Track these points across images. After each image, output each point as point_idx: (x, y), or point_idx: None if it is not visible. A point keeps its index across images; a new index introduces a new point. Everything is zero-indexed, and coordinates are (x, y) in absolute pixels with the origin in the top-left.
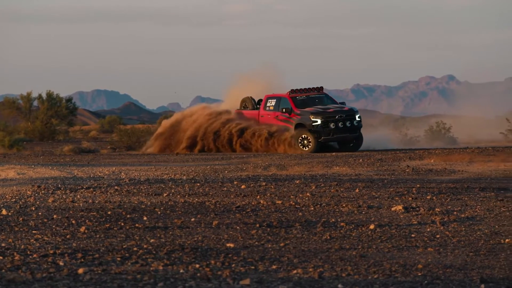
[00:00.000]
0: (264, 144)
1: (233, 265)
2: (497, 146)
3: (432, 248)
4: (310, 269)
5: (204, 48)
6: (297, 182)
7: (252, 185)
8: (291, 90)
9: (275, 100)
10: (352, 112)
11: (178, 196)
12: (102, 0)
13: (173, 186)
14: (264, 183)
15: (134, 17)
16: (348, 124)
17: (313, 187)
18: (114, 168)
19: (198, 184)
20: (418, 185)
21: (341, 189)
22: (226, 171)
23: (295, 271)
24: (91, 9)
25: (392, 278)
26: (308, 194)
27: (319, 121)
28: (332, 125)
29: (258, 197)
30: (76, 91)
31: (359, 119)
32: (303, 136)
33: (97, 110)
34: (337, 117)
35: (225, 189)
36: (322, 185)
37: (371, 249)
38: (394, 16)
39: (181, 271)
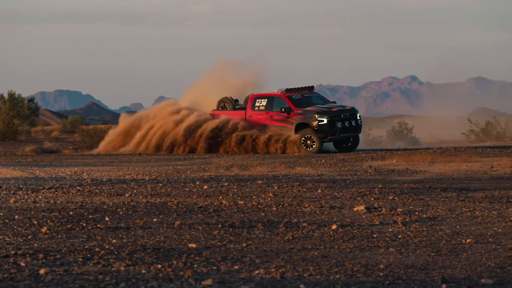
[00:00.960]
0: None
1: (195, 266)
2: (459, 146)
3: (394, 248)
4: (272, 269)
5: (167, 48)
6: (260, 182)
7: (214, 185)
8: (286, 89)
9: (266, 99)
10: (354, 111)
11: (140, 197)
12: (64, 0)
13: (135, 187)
14: (226, 184)
15: (97, 17)
16: (353, 123)
17: (276, 188)
18: (76, 168)
19: (161, 184)
20: (380, 186)
21: (304, 190)
22: (188, 172)
23: (257, 272)
24: (53, 9)
25: (354, 278)
26: (270, 194)
27: (325, 121)
28: (339, 124)
29: (221, 197)
30: (38, 91)
31: (359, 118)
32: (307, 136)
33: (59, 110)
34: (342, 116)
35: (187, 189)
36: (284, 185)
37: (333, 249)
38: (356, 16)
39: (143, 271)
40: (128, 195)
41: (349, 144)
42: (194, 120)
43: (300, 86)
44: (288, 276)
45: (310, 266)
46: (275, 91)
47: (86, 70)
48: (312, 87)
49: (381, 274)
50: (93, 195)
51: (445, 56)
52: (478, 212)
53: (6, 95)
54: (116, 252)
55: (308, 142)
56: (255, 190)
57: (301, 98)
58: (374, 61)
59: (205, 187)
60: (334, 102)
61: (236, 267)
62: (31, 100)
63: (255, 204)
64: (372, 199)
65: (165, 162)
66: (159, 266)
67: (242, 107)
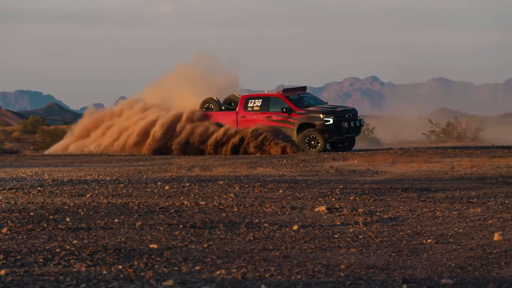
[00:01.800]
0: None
1: (156, 266)
2: (420, 147)
3: (355, 248)
4: (234, 270)
5: (130, 48)
6: (221, 183)
7: (176, 186)
8: (283, 90)
9: (260, 100)
10: (355, 112)
11: (102, 197)
12: (26, 0)
13: (97, 187)
14: (188, 184)
15: (58, 17)
16: (357, 123)
17: (237, 188)
18: (37, 169)
19: (122, 185)
20: (341, 186)
21: (265, 190)
22: (149, 172)
23: (218, 272)
24: (14, 9)
25: (315, 279)
26: (231, 195)
27: (331, 121)
28: (345, 125)
29: (182, 198)
30: None
31: (361, 119)
32: (311, 136)
33: (20, 110)
34: (346, 116)
35: (148, 190)
36: (245, 186)
37: (294, 250)
38: (318, 17)
39: (104, 272)
40: (89, 195)
41: (346, 144)
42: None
43: (295, 86)
44: (249, 276)
45: (271, 266)
46: (266, 91)
47: (47, 70)
48: (305, 87)
49: (342, 274)
50: (54, 195)
51: (407, 56)
52: (438, 212)
53: None
54: (77, 253)
55: (312, 142)
56: (216, 191)
57: (298, 98)
58: (335, 62)
59: (166, 187)
60: (326, 103)
61: (197, 267)
62: None
63: (217, 204)
64: (334, 199)
65: (127, 162)
66: (120, 266)
67: (230, 108)
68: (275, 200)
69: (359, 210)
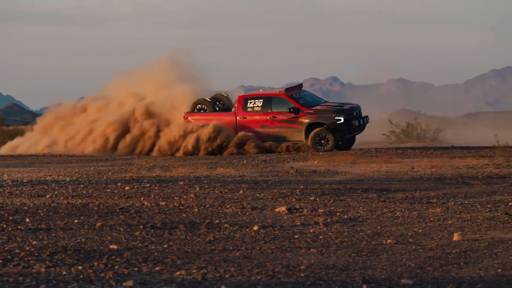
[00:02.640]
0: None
1: (116, 267)
2: (380, 147)
3: (315, 249)
4: (194, 271)
5: (90, 49)
6: (181, 183)
7: (136, 186)
8: (286, 89)
9: (261, 100)
10: (360, 109)
11: (62, 198)
12: None
13: (57, 188)
14: (148, 185)
15: (17, 17)
16: (364, 121)
17: (197, 189)
18: None
19: (82, 185)
20: (301, 186)
21: (225, 191)
22: (110, 173)
23: (178, 273)
24: None
25: (275, 279)
26: (192, 195)
27: (342, 119)
28: (356, 123)
29: (142, 198)
30: None
31: (366, 116)
32: (322, 135)
33: None
34: (354, 114)
35: (109, 190)
36: (206, 186)
37: (254, 250)
38: (279, 17)
39: (64, 273)
40: (49, 196)
41: (346, 141)
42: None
43: (293, 85)
44: (209, 277)
45: (231, 267)
46: (261, 90)
47: (7, 70)
48: (301, 85)
49: (302, 274)
50: (14, 196)
51: (367, 57)
52: (398, 212)
53: None
54: (36, 254)
55: (323, 141)
56: (176, 191)
57: (299, 96)
58: (295, 62)
59: (126, 188)
60: (327, 101)
61: (157, 268)
62: None
63: (177, 205)
64: (294, 200)
65: (87, 163)
66: (80, 267)
67: (224, 108)
68: (236, 201)
69: (319, 210)
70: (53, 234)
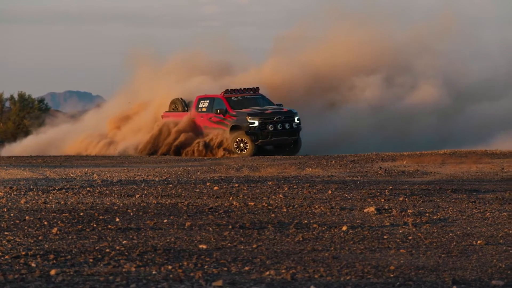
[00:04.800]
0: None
1: (205, 267)
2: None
3: (405, 249)
4: (283, 271)
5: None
6: (270, 183)
7: (224, 186)
8: (226, 90)
9: (208, 101)
10: (291, 114)
11: (151, 198)
12: None
13: (146, 187)
14: (236, 185)
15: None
16: (287, 126)
17: (286, 189)
18: (86, 169)
19: (171, 185)
20: (390, 187)
21: (314, 191)
22: (198, 173)
23: (267, 273)
24: None
25: (365, 280)
26: (280, 195)
27: (256, 123)
28: (270, 127)
29: (231, 198)
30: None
31: (298, 122)
32: (239, 139)
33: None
34: (275, 118)
35: (197, 190)
36: (294, 186)
37: (343, 251)
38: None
39: (154, 272)
40: (138, 196)
41: (292, 146)
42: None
43: (243, 88)
44: (298, 277)
45: (320, 267)
46: (222, 92)
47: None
48: (257, 88)
49: (392, 275)
50: (104, 196)
51: None
52: (488, 213)
53: (16, 96)
54: (126, 253)
55: (241, 145)
56: (265, 191)
57: (241, 99)
58: None
59: (215, 188)
60: (280, 105)
61: (246, 268)
62: (41, 101)
63: (265, 205)
64: (383, 200)
65: (175, 163)
66: (170, 267)
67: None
68: (324, 201)
69: (409, 211)
70: (142, 234)
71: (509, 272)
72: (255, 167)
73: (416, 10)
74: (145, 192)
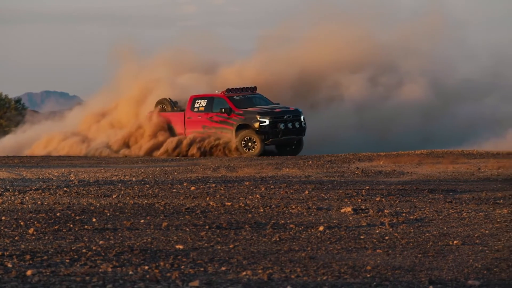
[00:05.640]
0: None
1: (182, 267)
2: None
3: (381, 249)
4: (260, 271)
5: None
6: (247, 183)
7: (201, 186)
8: (227, 89)
9: (206, 100)
10: (298, 113)
11: (128, 198)
12: None
13: (123, 188)
14: (213, 185)
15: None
16: (297, 125)
17: (263, 189)
18: (63, 169)
19: (148, 185)
20: (367, 187)
21: (291, 191)
22: (175, 173)
23: (244, 273)
24: None
25: (341, 280)
26: (257, 195)
27: (267, 122)
28: (281, 126)
29: (208, 198)
30: None
31: (303, 120)
32: (248, 137)
33: None
34: (285, 117)
35: (174, 190)
36: (271, 186)
37: (320, 251)
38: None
39: (130, 272)
40: (115, 196)
41: (293, 147)
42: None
43: (242, 87)
44: (275, 277)
45: (297, 267)
46: (217, 91)
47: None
48: (255, 87)
49: (368, 275)
50: (80, 196)
51: None
52: (465, 213)
53: None
54: (103, 253)
55: (249, 144)
56: (242, 192)
57: (243, 98)
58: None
59: (192, 188)
60: (278, 104)
61: (223, 268)
62: (17, 101)
63: (242, 205)
64: (359, 200)
65: (152, 163)
66: (146, 267)
67: (181, 109)
68: (301, 201)
69: (385, 211)
70: (119, 234)
71: (485, 272)
72: (232, 167)
73: (402, 11)
74: (122, 192)
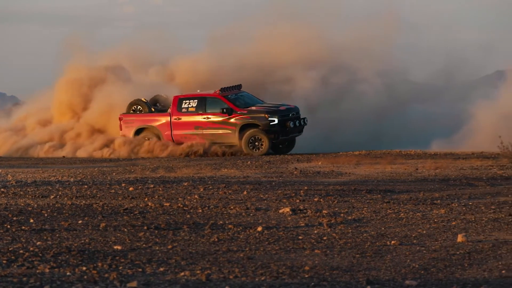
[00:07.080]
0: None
1: (120, 268)
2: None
3: (319, 250)
4: (198, 272)
5: None
6: (185, 184)
7: (140, 187)
8: (221, 88)
9: (196, 100)
10: (298, 110)
11: (66, 198)
12: None
13: (61, 188)
14: (152, 185)
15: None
16: (302, 122)
17: (201, 189)
18: (0, 170)
19: (86, 186)
20: (305, 187)
21: (229, 192)
22: (114, 173)
23: (182, 274)
24: None
25: (280, 280)
26: (196, 196)
27: (276, 121)
28: (290, 124)
29: (146, 199)
30: None
31: (304, 118)
32: (255, 137)
33: None
34: (290, 115)
35: (113, 191)
36: (210, 187)
37: (258, 251)
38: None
39: (68, 273)
40: (53, 197)
41: (286, 144)
42: None
43: (231, 85)
44: (213, 278)
45: (235, 268)
46: (198, 91)
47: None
48: (240, 85)
49: (306, 276)
50: (18, 197)
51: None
52: (402, 214)
53: None
54: (40, 254)
55: (256, 143)
56: (180, 192)
57: (236, 97)
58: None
59: (130, 189)
60: (263, 102)
61: (161, 269)
62: None
63: (181, 206)
64: (298, 201)
65: (91, 164)
66: (84, 268)
67: (160, 109)
68: (240, 202)
69: (324, 211)
70: (57, 235)
71: (422, 272)
72: (171, 167)
73: (357, 12)
74: (60, 193)
